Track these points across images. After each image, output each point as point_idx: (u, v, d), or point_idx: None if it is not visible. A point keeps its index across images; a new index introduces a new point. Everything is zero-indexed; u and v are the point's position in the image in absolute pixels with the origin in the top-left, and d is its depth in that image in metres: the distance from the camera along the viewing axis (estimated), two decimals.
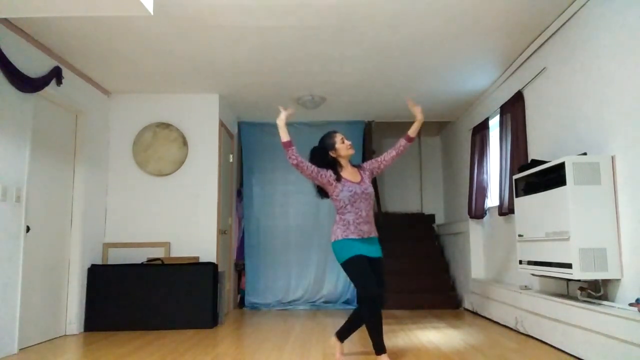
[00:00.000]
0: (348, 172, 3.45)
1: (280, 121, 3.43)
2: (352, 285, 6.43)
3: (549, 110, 4.17)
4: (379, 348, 3.33)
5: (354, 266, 3.28)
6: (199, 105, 5.58)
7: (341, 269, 6.51)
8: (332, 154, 3.43)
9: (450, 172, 7.25)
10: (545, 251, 3.67)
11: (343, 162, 3.46)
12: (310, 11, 3.70)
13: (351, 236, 3.31)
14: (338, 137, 3.45)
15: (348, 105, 6.08)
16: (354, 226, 3.33)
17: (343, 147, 3.43)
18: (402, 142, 3.56)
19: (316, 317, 5.60)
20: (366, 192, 3.38)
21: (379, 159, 3.60)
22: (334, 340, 3.55)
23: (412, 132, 3.57)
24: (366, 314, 3.31)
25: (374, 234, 3.43)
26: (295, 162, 3.34)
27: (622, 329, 2.88)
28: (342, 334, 3.53)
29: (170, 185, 5.45)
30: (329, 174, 3.39)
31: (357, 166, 3.57)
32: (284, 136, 3.39)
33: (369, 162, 3.63)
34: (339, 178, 3.38)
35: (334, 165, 3.43)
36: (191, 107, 5.57)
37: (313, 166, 3.37)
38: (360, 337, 4.25)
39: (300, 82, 5.28)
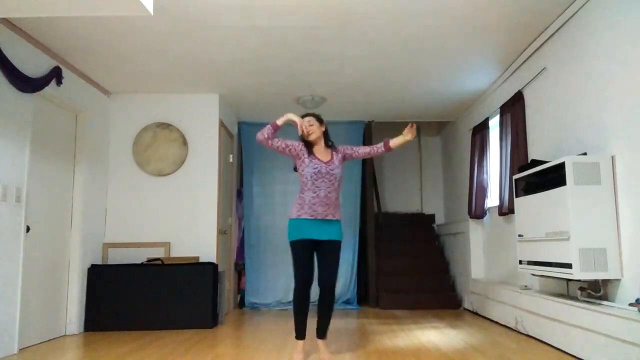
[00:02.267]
0: (320, 152, 3.51)
1: (290, 115, 3.44)
2: (352, 285, 6.44)
3: (549, 110, 4.17)
4: (302, 333, 3.43)
5: (295, 250, 3.39)
6: (199, 105, 5.58)
7: (340, 269, 6.56)
8: (303, 137, 3.51)
9: (450, 172, 7.25)
10: (545, 251, 3.67)
11: (314, 143, 3.51)
12: (310, 11, 3.70)
13: (303, 216, 3.38)
14: (300, 123, 3.47)
15: (348, 105, 6.08)
16: (308, 206, 3.38)
17: (304, 131, 3.45)
18: (381, 148, 3.58)
19: (316, 317, 5.58)
20: (331, 172, 3.41)
21: (354, 148, 3.62)
22: (319, 343, 3.54)
23: (394, 145, 3.57)
24: (294, 300, 3.41)
25: (332, 217, 3.43)
26: (261, 137, 3.38)
27: (622, 329, 2.88)
28: (324, 331, 3.54)
29: (170, 185, 5.45)
30: (299, 146, 3.46)
31: (332, 147, 3.59)
32: (279, 120, 3.43)
33: (344, 146, 3.63)
34: (310, 152, 3.45)
35: (306, 142, 3.50)
36: (191, 107, 5.57)
37: (281, 140, 3.44)
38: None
39: (300, 82, 5.28)
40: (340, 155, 3.55)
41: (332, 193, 3.41)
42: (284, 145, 3.44)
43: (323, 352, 3.45)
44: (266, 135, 3.38)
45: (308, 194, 3.40)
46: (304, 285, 3.39)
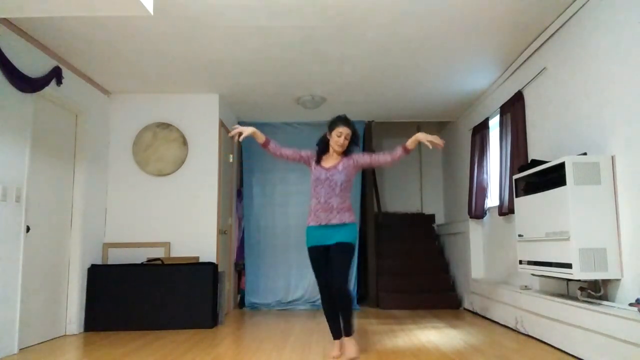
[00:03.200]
0: (330, 159, 3.55)
1: (250, 129, 3.49)
2: (352, 285, 6.43)
3: (549, 110, 4.17)
4: (335, 333, 3.51)
5: (310, 258, 3.54)
6: (199, 105, 5.58)
7: None
8: (327, 135, 3.57)
9: (450, 172, 7.25)
10: (545, 251, 3.67)
11: (331, 149, 3.55)
12: (311, 11, 3.70)
13: (311, 223, 3.49)
14: (338, 129, 3.48)
15: (348, 105, 6.08)
16: (313, 213, 3.48)
17: (334, 139, 3.49)
18: (400, 151, 3.44)
19: (316, 317, 5.59)
20: (331, 178, 3.42)
21: (373, 156, 3.56)
22: (344, 340, 3.50)
23: (410, 145, 3.42)
24: (322, 303, 3.53)
25: (337, 221, 3.42)
26: (278, 153, 3.56)
27: (622, 329, 2.88)
28: (347, 329, 3.49)
29: (170, 185, 5.45)
30: (310, 153, 3.56)
31: (348, 155, 3.57)
32: (260, 138, 3.52)
33: (360, 155, 3.58)
34: (318, 160, 3.53)
35: (325, 146, 3.56)
36: (191, 107, 5.57)
37: (292, 149, 3.57)
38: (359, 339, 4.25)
39: (300, 82, 5.28)
40: (351, 162, 3.50)
41: (333, 198, 3.42)
42: (297, 154, 3.57)
43: (347, 349, 3.42)
44: (274, 149, 3.56)
45: (313, 201, 3.50)
46: (323, 289, 3.49)
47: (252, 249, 6.53)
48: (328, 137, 3.54)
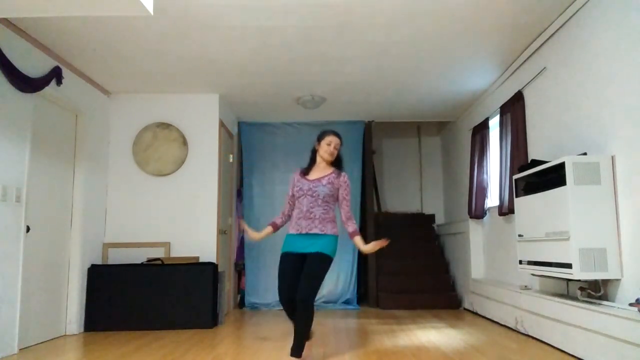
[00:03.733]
0: (316, 171, 3.50)
1: (254, 235, 3.53)
2: (352, 285, 6.45)
3: (549, 110, 4.17)
4: (294, 350, 3.25)
5: (279, 266, 3.42)
6: (199, 105, 5.58)
7: (340, 269, 6.55)
8: (315, 145, 3.54)
9: (450, 172, 7.25)
10: (545, 251, 3.67)
11: (319, 159, 3.51)
12: (310, 11, 3.70)
13: (291, 231, 3.45)
14: (328, 138, 3.48)
15: (348, 105, 6.08)
16: (295, 221, 3.45)
17: (324, 148, 3.46)
18: (350, 230, 3.38)
19: (316, 317, 5.56)
20: (313, 189, 3.40)
21: (346, 199, 3.44)
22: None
23: (355, 241, 3.38)
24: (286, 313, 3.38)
25: (318, 230, 3.35)
26: (288, 217, 3.55)
27: (622, 329, 2.88)
28: (295, 348, 3.28)
29: (170, 185, 5.46)
30: (294, 180, 3.52)
31: (337, 171, 3.49)
32: (269, 230, 3.54)
33: (345, 184, 3.45)
34: (303, 173, 3.50)
35: (313, 156, 3.55)
36: (191, 107, 5.57)
37: (288, 202, 3.55)
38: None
39: (300, 82, 5.28)
40: (337, 180, 3.43)
41: (316, 208, 3.37)
42: (292, 200, 3.52)
43: None
44: (283, 220, 3.56)
45: (296, 211, 3.46)
46: (284, 301, 3.31)
47: (252, 249, 6.53)
48: (317, 147, 3.51)
